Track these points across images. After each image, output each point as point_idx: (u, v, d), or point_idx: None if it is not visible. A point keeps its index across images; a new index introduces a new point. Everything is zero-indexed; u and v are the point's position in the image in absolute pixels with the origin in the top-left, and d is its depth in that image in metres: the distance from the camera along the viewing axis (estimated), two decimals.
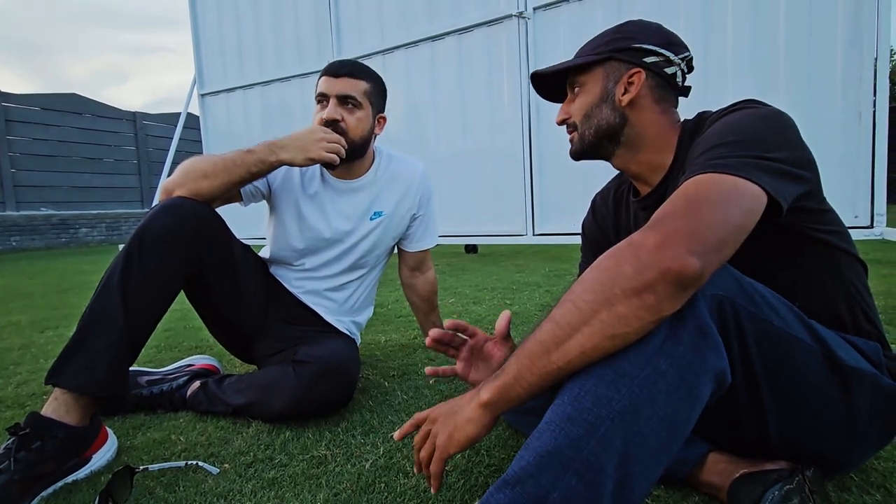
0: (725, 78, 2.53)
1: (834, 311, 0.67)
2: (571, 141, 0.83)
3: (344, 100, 1.13)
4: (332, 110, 1.12)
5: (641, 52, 0.76)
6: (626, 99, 0.76)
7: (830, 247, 0.67)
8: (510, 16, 3.08)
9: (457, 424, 0.60)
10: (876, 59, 2.19)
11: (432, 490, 0.64)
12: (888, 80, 2.24)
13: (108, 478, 0.77)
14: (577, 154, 0.83)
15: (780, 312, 0.58)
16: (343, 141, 1.10)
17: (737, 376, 0.56)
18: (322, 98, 1.14)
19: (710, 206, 0.52)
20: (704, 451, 0.71)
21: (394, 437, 0.69)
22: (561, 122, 0.84)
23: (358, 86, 1.14)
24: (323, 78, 1.14)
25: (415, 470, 0.67)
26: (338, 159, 1.09)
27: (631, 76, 0.76)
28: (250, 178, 1.06)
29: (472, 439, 0.59)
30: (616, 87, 0.76)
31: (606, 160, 0.83)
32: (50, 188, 8.39)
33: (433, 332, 0.81)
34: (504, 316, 0.77)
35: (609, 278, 0.51)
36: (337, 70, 1.14)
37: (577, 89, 0.80)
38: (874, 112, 2.21)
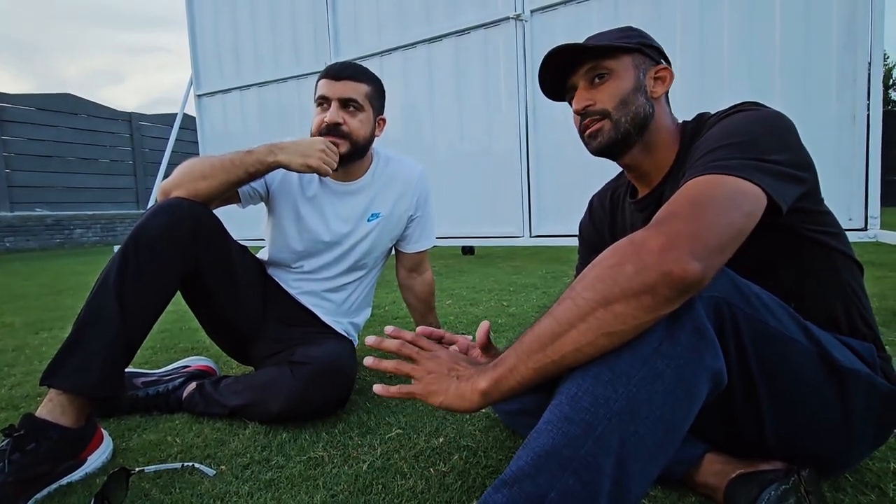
0: (721, 81, 2.55)
1: (830, 311, 0.67)
2: (598, 131, 0.76)
3: (345, 103, 1.13)
4: (334, 114, 1.11)
5: (659, 53, 0.78)
6: (658, 91, 0.76)
7: (828, 248, 0.67)
8: (507, 18, 3.09)
9: (448, 390, 0.59)
10: (870, 62, 2.20)
11: (376, 388, 0.65)
12: (882, 84, 2.26)
13: (103, 480, 0.76)
14: (608, 144, 0.76)
15: (776, 314, 0.59)
16: (337, 158, 1.09)
17: (733, 377, 0.57)
18: (323, 101, 1.13)
19: (713, 209, 0.53)
20: (701, 452, 0.71)
21: (367, 341, 0.67)
22: (582, 110, 0.77)
23: (359, 88, 1.14)
24: (323, 80, 1.14)
25: (373, 363, 0.65)
26: (331, 172, 1.08)
27: (658, 72, 0.76)
28: (248, 178, 1.06)
29: (452, 410, 0.59)
30: (646, 80, 0.76)
31: (620, 157, 0.79)
32: (45, 189, 8.35)
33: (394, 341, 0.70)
34: (483, 326, 0.73)
35: (610, 276, 0.51)
36: (338, 73, 1.13)
37: (603, 76, 0.75)
38: (868, 115, 2.23)
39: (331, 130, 1.12)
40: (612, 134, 0.75)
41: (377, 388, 0.64)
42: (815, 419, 0.63)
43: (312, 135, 1.15)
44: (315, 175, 1.23)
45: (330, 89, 1.12)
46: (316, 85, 1.16)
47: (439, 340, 0.78)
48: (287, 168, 1.06)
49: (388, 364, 0.64)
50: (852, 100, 2.25)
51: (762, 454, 0.67)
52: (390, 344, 0.67)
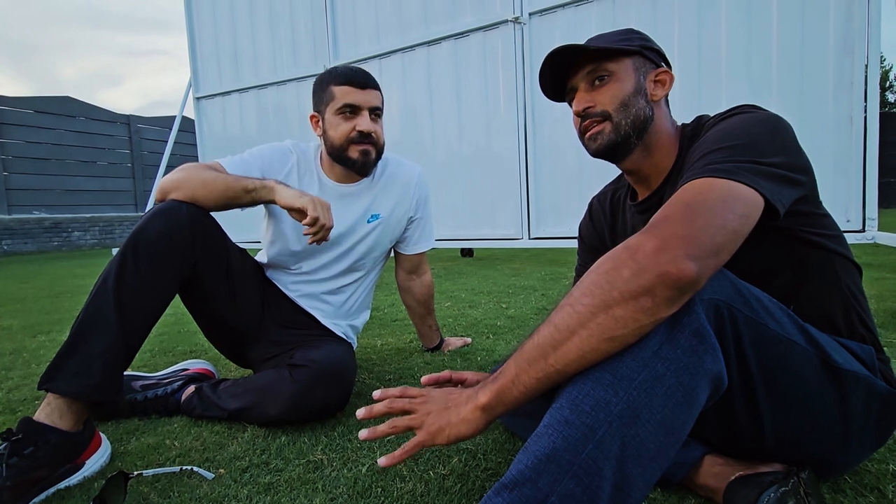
0: (719, 83, 2.56)
1: (829, 314, 0.68)
2: (599, 133, 0.76)
3: (372, 111, 1.15)
4: (369, 123, 1.13)
5: (660, 55, 0.78)
6: (658, 95, 0.76)
7: (826, 250, 0.67)
8: (506, 21, 3.10)
9: (450, 421, 0.60)
10: (867, 64, 2.22)
11: (381, 462, 0.62)
12: (878, 86, 2.26)
13: (101, 484, 0.76)
14: (609, 146, 0.76)
15: (776, 316, 0.59)
16: (329, 228, 1.01)
17: (733, 379, 0.57)
18: (350, 109, 1.13)
19: (707, 211, 0.53)
20: (700, 454, 0.71)
21: (357, 415, 0.67)
22: (582, 111, 0.77)
23: (379, 96, 1.17)
24: (346, 88, 1.12)
25: (368, 434, 0.64)
26: (311, 229, 0.98)
27: (658, 75, 0.76)
28: (243, 206, 1.06)
29: (462, 438, 0.60)
30: (646, 82, 0.76)
31: (620, 160, 0.79)
32: (43, 191, 8.35)
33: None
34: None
35: (607, 281, 0.51)
36: (364, 82, 1.14)
37: (603, 78, 0.75)
38: (865, 117, 2.24)
39: (364, 139, 1.13)
40: (612, 136, 0.76)
41: (382, 461, 0.63)
42: (815, 421, 0.63)
43: (338, 143, 1.14)
44: (315, 178, 1.23)
45: (359, 98, 1.13)
46: (329, 90, 1.14)
47: (447, 382, 0.77)
48: (274, 202, 1.02)
49: (384, 428, 0.64)
50: (849, 102, 2.26)
51: (761, 456, 0.67)
52: (380, 408, 0.66)
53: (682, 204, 0.54)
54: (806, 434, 0.64)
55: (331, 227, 1.01)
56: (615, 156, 0.78)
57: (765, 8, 2.42)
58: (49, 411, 0.85)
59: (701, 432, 0.68)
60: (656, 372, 0.50)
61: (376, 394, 0.69)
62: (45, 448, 0.81)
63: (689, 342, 0.51)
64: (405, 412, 0.65)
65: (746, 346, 0.57)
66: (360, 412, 0.67)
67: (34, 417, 0.84)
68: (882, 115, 2.49)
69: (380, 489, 0.78)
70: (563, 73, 0.79)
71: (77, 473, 0.85)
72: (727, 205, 0.54)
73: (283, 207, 1.01)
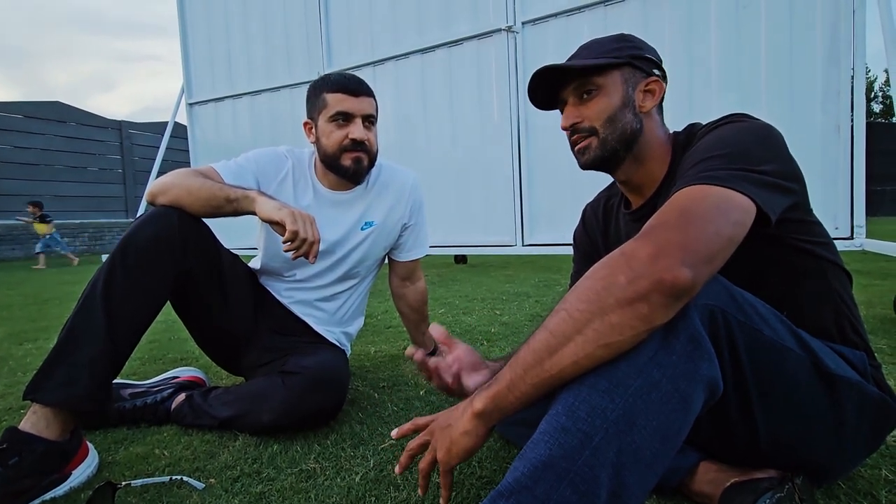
0: (710, 94, 2.59)
1: (821, 320, 0.68)
2: (586, 147, 0.77)
3: (365, 118, 1.14)
4: (363, 131, 1.12)
5: (652, 63, 0.78)
6: (647, 106, 0.76)
7: (817, 257, 0.68)
8: (499, 30, 3.13)
9: (453, 438, 0.61)
10: (853, 75, 2.26)
11: (442, 501, 0.65)
12: (864, 96, 2.30)
13: (88, 494, 0.75)
14: (596, 161, 0.77)
15: (770, 322, 0.59)
16: (314, 249, 0.97)
17: (728, 385, 0.57)
18: (343, 116, 1.12)
19: (701, 219, 0.53)
20: (696, 460, 0.71)
21: (392, 435, 0.71)
22: (569, 127, 0.78)
23: (373, 104, 1.16)
24: (339, 95, 1.12)
25: (420, 482, 0.68)
26: (290, 241, 0.94)
27: (648, 84, 0.76)
28: (227, 216, 1.04)
29: (470, 451, 0.60)
30: (635, 94, 0.76)
31: (611, 171, 0.80)
32: (32, 197, 8.25)
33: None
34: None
35: (603, 288, 0.51)
36: (357, 89, 1.13)
37: (591, 91, 0.76)
38: (852, 126, 2.28)
39: (357, 146, 1.12)
40: (599, 152, 0.77)
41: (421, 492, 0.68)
42: (809, 427, 0.63)
43: (331, 150, 1.14)
44: (309, 185, 1.22)
45: (353, 106, 1.12)
46: (322, 97, 1.13)
47: (415, 431, 0.80)
48: (254, 213, 1.00)
49: (403, 459, 0.69)
50: (837, 111, 2.30)
51: (756, 462, 0.67)
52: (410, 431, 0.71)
53: (677, 210, 0.55)
54: (800, 439, 0.64)
55: (316, 242, 0.97)
56: (605, 168, 0.80)
57: (754, 20, 2.46)
58: (35, 420, 0.83)
59: (696, 438, 0.68)
60: (652, 378, 0.50)
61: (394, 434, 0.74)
62: (30, 458, 0.79)
63: (685, 348, 0.51)
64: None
65: (741, 351, 0.57)
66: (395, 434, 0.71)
67: (20, 427, 0.82)
68: (868, 125, 2.53)
69: (373, 498, 0.77)
70: (552, 86, 0.79)
71: (63, 484, 0.83)
72: (721, 212, 0.54)
73: (263, 220, 0.99)
